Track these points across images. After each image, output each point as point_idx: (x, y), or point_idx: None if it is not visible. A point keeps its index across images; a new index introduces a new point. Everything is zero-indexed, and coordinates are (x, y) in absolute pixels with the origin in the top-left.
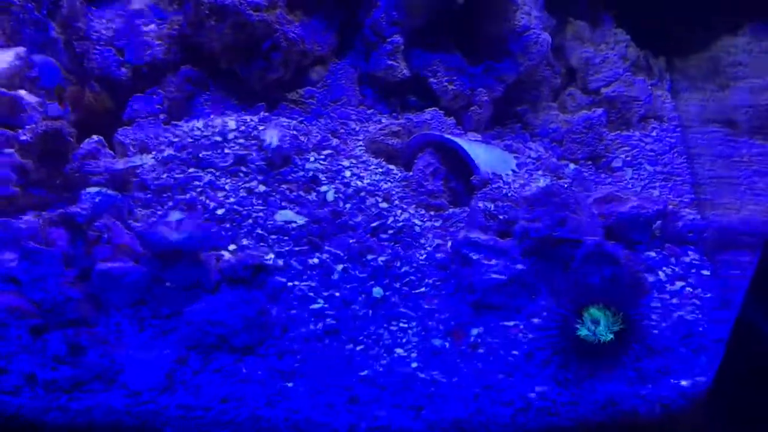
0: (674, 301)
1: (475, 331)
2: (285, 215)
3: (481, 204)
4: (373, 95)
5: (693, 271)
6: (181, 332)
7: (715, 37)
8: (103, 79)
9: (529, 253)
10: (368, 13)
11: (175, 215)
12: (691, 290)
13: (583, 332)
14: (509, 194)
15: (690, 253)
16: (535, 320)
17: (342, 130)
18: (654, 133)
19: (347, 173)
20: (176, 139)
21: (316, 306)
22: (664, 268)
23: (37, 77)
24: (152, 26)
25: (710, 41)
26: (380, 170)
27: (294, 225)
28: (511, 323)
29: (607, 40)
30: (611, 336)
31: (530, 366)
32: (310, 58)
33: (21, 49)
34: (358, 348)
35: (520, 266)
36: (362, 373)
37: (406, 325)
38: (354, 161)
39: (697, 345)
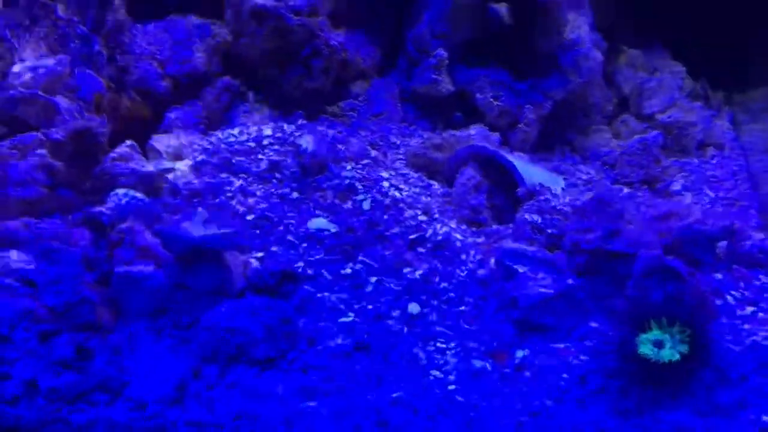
0: (746, 326)
1: (520, 354)
2: (318, 223)
3: (527, 216)
4: (415, 112)
5: (766, 295)
6: (199, 339)
7: None
8: (143, 91)
9: (580, 267)
10: (412, 27)
11: (201, 214)
12: (764, 315)
13: (644, 350)
14: (558, 207)
15: (762, 276)
16: (588, 343)
17: (382, 143)
18: (714, 160)
19: (385, 184)
20: (210, 146)
21: (346, 319)
22: (733, 292)
23: (77, 86)
24: (195, 39)
25: None
26: (420, 183)
27: (327, 233)
28: (561, 345)
29: (662, 68)
30: (678, 357)
31: (583, 392)
32: (352, 70)
33: (64, 57)
34: (390, 367)
35: (570, 281)
36: (394, 395)
37: (444, 345)
38: (393, 173)
39: None
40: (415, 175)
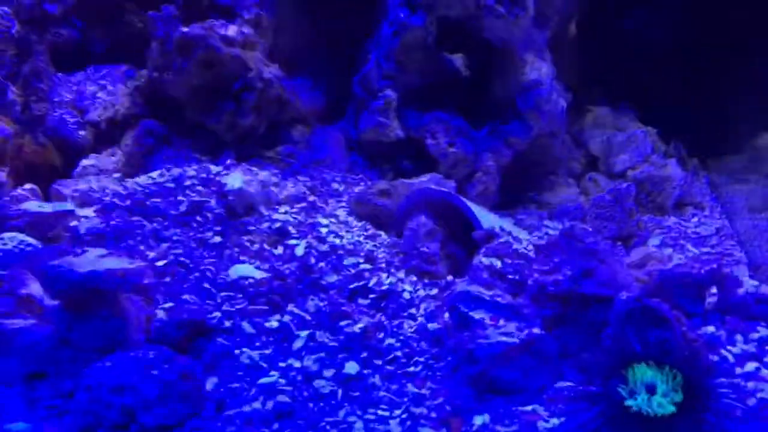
0: (750, 385)
1: (479, 420)
2: (242, 270)
3: (484, 259)
4: (363, 163)
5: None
6: (79, 404)
7: (753, 136)
8: (58, 138)
9: (548, 313)
10: (360, 70)
11: (95, 252)
12: None
13: (633, 403)
14: (520, 251)
15: (760, 328)
16: (560, 405)
17: (323, 190)
18: (695, 219)
19: (323, 230)
20: (124, 191)
21: (267, 380)
22: (730, 348)
23: None
24: (118, 84)
25: (747, 140)
26: (365, 232)
27: (252, 281)
28: (528, 407)
29: (632, 128)
30: (672, 408)
31: None
32: (291, 112)
33: None
34: None
35: (536, 330)
36: None
37: (386, 413)
38: (334, 220)
39: None
40: (359, 224)
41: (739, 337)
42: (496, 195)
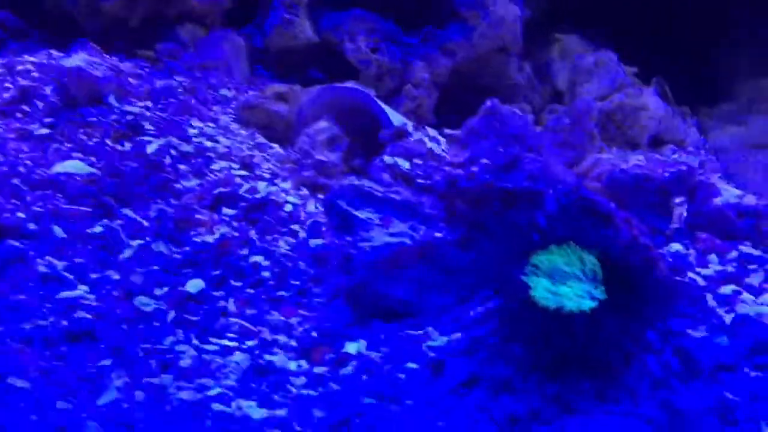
0: (725, 310)
1: (352, 347)
2: (68, 166)
3: (387, 159)
4: (268, 74)
5: (752, 267)
6: None
7: (750, 80)
8: None
9: (458, 214)
10: None
11: None
12: (753, 299)
13: (539, 292)
14: (437, 152)
15: (743, 247)
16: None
17: (207, 94)
18: (675, 156)
19: (192, 130)
20: None
21: (68, 294)
22: (700, 270)
23: None
24: None
25: (742, 85)
26: (250, 141)
27: (77, 179)
28: (419, 332)
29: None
30: (601, 296)
31: (440, 388)
32: (178, 5)
33: None
34: (125, 369)
35: (440, 234)
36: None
37: (234, 343)
38: (212, 125)
39: None
40: (246, 132)
41: (713, 257)
42: (432, 115)
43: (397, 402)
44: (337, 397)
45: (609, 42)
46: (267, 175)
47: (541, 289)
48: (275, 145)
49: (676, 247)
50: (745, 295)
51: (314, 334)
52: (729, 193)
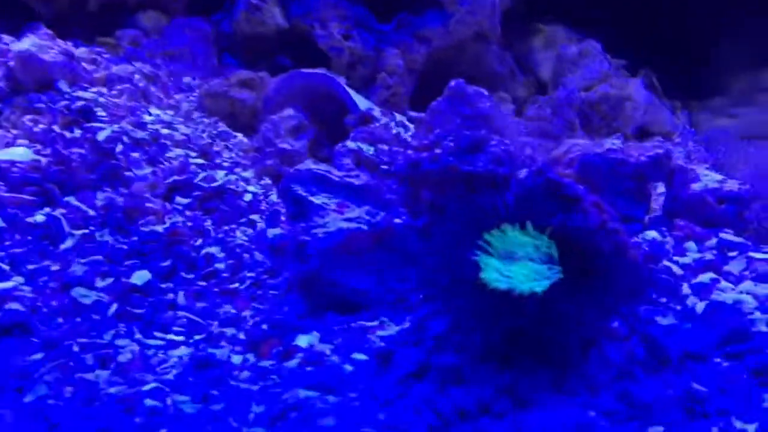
0: (699, 298)
1: (304, 340)
2: (13, 153)
3: (351, 144)
4: (236, 62)
5: (732, 254)
6: None
7: (742, 74)
8: None
9: (420, 198)
10: None
11: None
12: (732, 287)
13: (490, 274)
14: (403, 137)
15: (724, 234)
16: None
17: (168, 81)
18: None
19: (148, 117)
20: None
21: (3, 285)
22: (677, 258)
23: None
24: None
25: (734, 79)
26: (213, 130)
27: (21, 166)
28: (373, 323)
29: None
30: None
31: (386, 380)
32: None
33: None
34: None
35: (399, 219)
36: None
37: (180, 337)
38: (171, 112)
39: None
40: (208, 120)
41: (691, 245)
42: (408, 104)
43: (338, 394)
44: (278, 390)
45: (596, 35)
46: (227, 164)
47: (492, 271)
48: (239, 135)
49: (652, 234)
50: (724, 284)
51: (265, 326)
52: (709, 178)
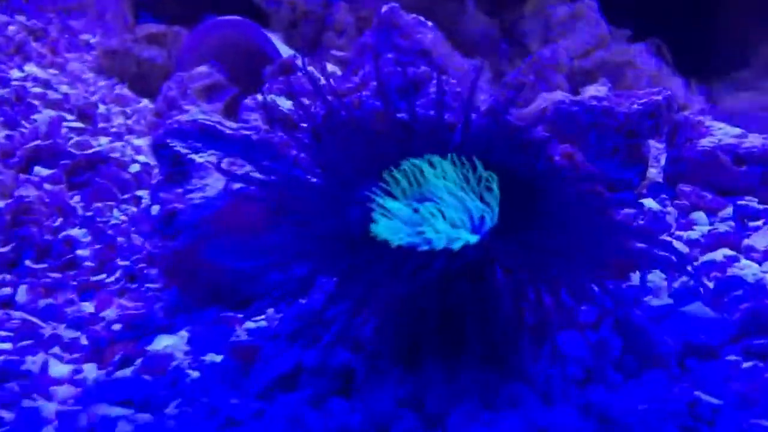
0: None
1: (163, 342)
2: None
3: (261, 97)
4: (157, 23)
5: (756, 224)
6: None
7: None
8: None
9: (331, 149)
10: None
11: None
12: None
13: (381, 226)
14: (336, 87)
15: (742, 202)
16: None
17: (59, 37)
18: None
19: (17, 74)
20: None
21: None
22: (681, 233)
23: None
24: None
25: (756, 51)
26: (109, 92)
27: None
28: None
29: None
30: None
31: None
32: None
33: None
34: None
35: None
36: None
37: (4, 344)
38: (54, 71)
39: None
40: (105, 82)
41: (699, 215)
42: None
43: (155, 412)
44: (77, 408)
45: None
46: (114, 130)
47: (390, 224)
48: (145, 100)
49: (649, 203)
50: (744, 262)
51: (118, 327)
52: (723, 131)
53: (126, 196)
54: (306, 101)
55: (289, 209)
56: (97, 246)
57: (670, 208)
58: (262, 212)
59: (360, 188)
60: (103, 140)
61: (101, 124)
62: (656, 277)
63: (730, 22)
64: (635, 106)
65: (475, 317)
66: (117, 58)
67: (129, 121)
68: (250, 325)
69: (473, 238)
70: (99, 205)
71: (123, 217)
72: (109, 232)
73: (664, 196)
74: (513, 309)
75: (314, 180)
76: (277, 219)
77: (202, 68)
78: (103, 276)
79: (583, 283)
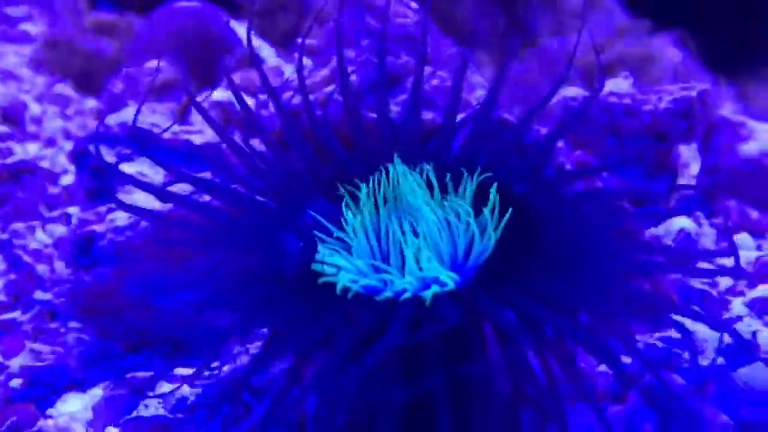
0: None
1: (67, 407)
2: None
3: (218, 94)
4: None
5: None
6: None
7: None
8: None
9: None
10: None
11: None
12: None
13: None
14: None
15: None
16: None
17: None
18: None
19: None
20: None
21: None
22: (722, 261)
23: None
24: None
25: None
26: (47, 91)
27: None
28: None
29: None
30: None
31: None
32: None
33: None
34: None
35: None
36: None
37: None
38: None
39: None
40: (43, 79)
41: (744, 238)
42: None
43: None
44: None
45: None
46: (47, 135)
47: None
48: (91, 99)
49: (680, 222)
50: None
51: (19, 384)
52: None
53: (53, 214)
54: (264, 98)
55: (225, 236)
56: (12, 277)
57: (706, 228)
58: (196, 238)
59: (315, 208)
60: (32, 147)
61: (31, 128)
62: (699, 325)
63: (762, 12)
64: (664, 104)
65: (454, 409)
66: (59, 50)
67: (69, 124)
68: (166, 388)
69: (451, 281)
70: (19, 225)
71: (47, 240)
72: (27, 259)
73: (699, 213)
74: (510, 394)
75: (261, 199)
76: (213, 246)
77: (155, 62)
78: (17, 314)
79: (602, 341)
